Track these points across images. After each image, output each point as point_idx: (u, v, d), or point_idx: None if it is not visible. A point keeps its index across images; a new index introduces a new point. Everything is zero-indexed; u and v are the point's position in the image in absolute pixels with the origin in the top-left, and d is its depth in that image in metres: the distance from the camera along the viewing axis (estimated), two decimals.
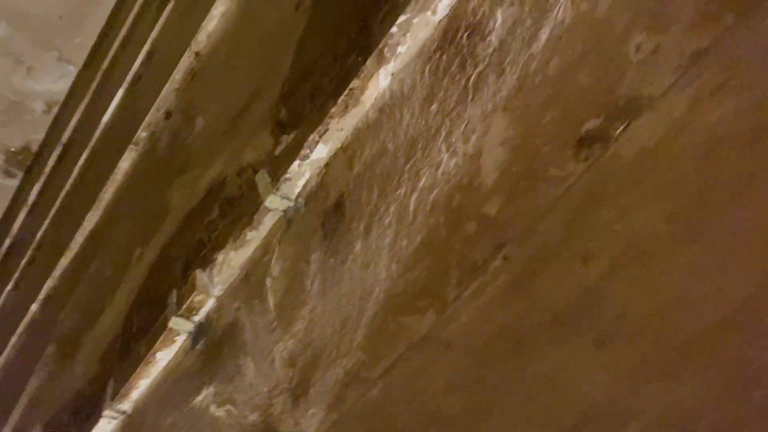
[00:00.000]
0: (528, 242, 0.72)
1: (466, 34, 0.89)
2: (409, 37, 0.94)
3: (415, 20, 0.93)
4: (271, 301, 1.05)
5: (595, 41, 0.73)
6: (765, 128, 0.55)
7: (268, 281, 1.07)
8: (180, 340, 1.22)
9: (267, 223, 1.09)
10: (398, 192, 0.91)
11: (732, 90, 0.58)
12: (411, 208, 0.89)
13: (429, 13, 0.92)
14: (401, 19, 0.93)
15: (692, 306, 0.54)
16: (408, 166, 0.91)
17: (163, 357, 1.24)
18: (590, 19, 0.74)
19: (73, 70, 2.23)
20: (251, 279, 1.11)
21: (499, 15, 0.85)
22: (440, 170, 0.86)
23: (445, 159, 0.86)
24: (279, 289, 1.04)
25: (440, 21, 0.92)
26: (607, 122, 0.68)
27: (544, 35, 0.78)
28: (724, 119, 0.57)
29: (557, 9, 0.77)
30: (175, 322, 1.20)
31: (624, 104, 0.67)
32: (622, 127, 0.66)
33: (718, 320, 0.52)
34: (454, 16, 0.91)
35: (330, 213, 1.01)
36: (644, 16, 0.68)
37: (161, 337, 1.22)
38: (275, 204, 1.07)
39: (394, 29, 0.94)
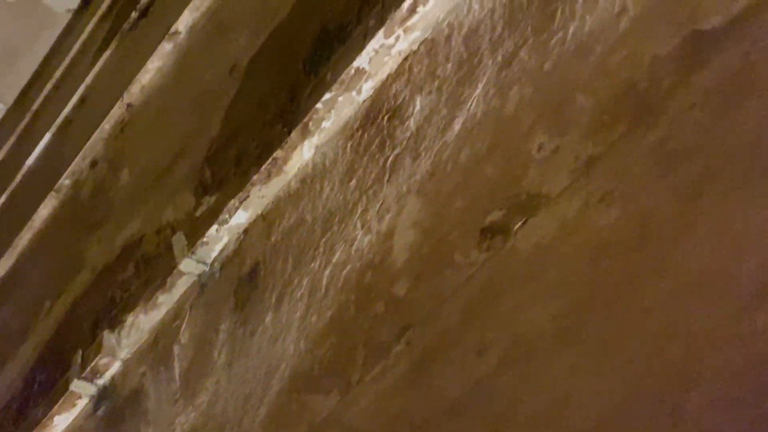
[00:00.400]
0: (430, 328, 0.73)
1: (387, 116, 0.91)
2: (334, 114, 0.96)
3: (340, 98, 0.95)
4: (176, 370, 1.02)
5: (502, 136, 0.76)
6: (647, 238, 0.58)
7: (176, 348, 1.04)
8: (81, 404, 1.16)
9: (180, 286, 1.07)
10: (312, 265, 0.91)
11: (619, 197, 0.62)
12: (324, 282, 0.89)
13: (354, 93, 0.95)
14: (327, 96, 0.95)
15: (572, 407, 0.56)
16: (324, 240, 0.92)
17: (61, 421, 1.18)
18: (499, 115, 0.77)
19: (2, 108, 2.16)
20: (159, 344, 1.08)
21: (418, 102, 0.88)
22: (354, 246, 0.87)
23: (359, 236, 0.87)
24: (186, 358, 1.01)
25: (364, 101, 0.95)
26: (508, 216, 0.71)
27: (457, 125, 0.82)
28: (611, 225, 0.61)
29: (471, 102, 0.81)
30: (77, 385, 1.14)
31: (525, 200, 0.70)
32: (521, 222, 0.69)
33: (594, 423, 0.54)
34: (377, 98, 0.94)
35: (244, 281, 0.99)
36: (548, 118, 0.72)
37: (61, 400, 1.16)
38: (190, 268, 1.05)
39: (319, 105, 0.96)
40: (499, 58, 0.79)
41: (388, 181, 0.87)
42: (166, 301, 1.08)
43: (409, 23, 0.89)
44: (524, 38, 0.77)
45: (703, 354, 0.51)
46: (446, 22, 0.88)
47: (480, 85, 0.81)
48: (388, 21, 0.90)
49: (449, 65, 0.86)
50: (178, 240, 1.07)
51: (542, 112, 0.73)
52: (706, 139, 0.56)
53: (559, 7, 0.74)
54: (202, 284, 1.05)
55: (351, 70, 0.93)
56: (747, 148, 0.52)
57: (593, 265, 0.60)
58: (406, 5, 0.88)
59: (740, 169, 0.52)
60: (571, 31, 0.72)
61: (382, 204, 0.87)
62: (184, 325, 1.04)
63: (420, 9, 0.88)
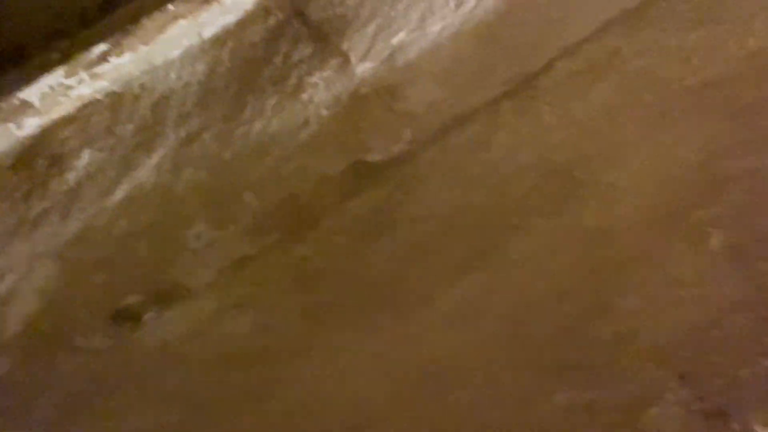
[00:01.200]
0: (19, 422, 0.60)
1: (46, 163, 0.80)
2: None
3: None
4: None
5: (164, 215, 0.71)
6: (268, 353, 0.57)
7: None
8: None
9: None
10: None
11: (254, 307, 0.60)
12: None
13: (12, 125, 0.81)
14: None
15: None
16: None
17: None
18: (168, 192, 0.72)
19: None
20: None
21: (86, 155, 0.78)
22: None
23: None
24: None
25: (24, 139, 0.82)
26: (145, 302, 0.64)
27: (121, 192, 0.74)
28: (238, 335, 0.58)
29: (142, 171, 0.75)
30: None
31: (166, 289, 0.65)
32: (154, 312, 0.63)
33: None
34: (41, 139, 0.81)
35: None
36: (213, 208, 0.69)
37: None
38: None
39: None
40: (183, 133, 0.75)
41: (24, 236, 0.75)
42: None
43: (97, 70, 0.81)
44: (211, 122, 0.74)
45: None
46: (139, 82, 0.81)
47: (156, 156, 0.75)
48: (73, 60, 0.80)
49: (130, 126, 0.78)
50: None
51: (209, 201, 0.70)
52: (341, 266, 0.57)
53: (250, 102, 0.73)
54: None
55: (14, 100, 0.80)
56: (370, 282, 0.55)
57: (211, 375, 0.56)
58: (97, 50, 0.80)
59: (360, 302, 0.53)
60: (256, 128, 0.72)
61: (8, 261, 0.73)
62: None
63: (112, 59, 0.80)
